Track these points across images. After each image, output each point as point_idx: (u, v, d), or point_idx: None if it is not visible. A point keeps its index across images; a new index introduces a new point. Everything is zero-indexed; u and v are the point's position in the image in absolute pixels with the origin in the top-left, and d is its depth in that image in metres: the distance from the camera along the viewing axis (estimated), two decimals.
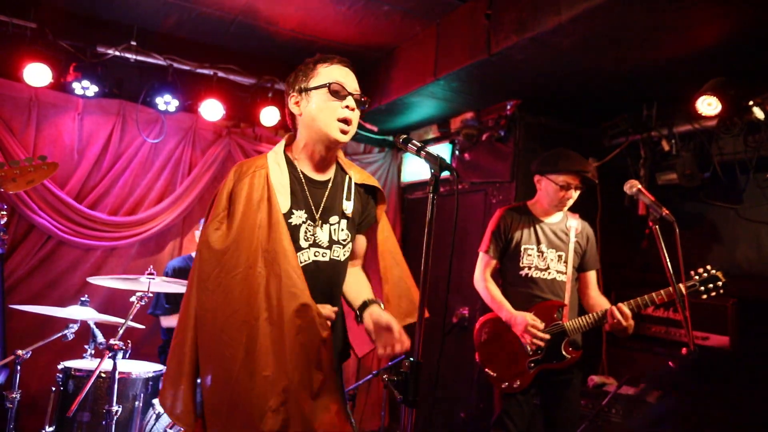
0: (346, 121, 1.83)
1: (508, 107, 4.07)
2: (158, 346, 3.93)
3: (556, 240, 3.05)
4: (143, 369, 3.25)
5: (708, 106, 3.42)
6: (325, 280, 1.87)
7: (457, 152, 4.72)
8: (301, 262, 1.80)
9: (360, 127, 4.78)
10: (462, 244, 4.42)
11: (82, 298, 3.24)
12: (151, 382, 3.21)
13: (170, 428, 2.89)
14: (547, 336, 2.86)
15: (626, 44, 3.10)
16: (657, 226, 2.44)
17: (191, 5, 3.95)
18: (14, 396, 2.88)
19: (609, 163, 4.16)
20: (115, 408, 2.83)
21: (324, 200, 1.90)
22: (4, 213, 3.36)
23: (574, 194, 3.00)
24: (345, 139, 1.84)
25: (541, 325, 2.87)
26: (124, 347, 2.84)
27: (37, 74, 3.82)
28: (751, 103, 3.26)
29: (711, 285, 2.69)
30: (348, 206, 1.93)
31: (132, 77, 4.33)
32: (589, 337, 3.52)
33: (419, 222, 5.25)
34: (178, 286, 3.31)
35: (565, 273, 3.02)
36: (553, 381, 2.95)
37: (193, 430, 1.76)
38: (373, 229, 2.07)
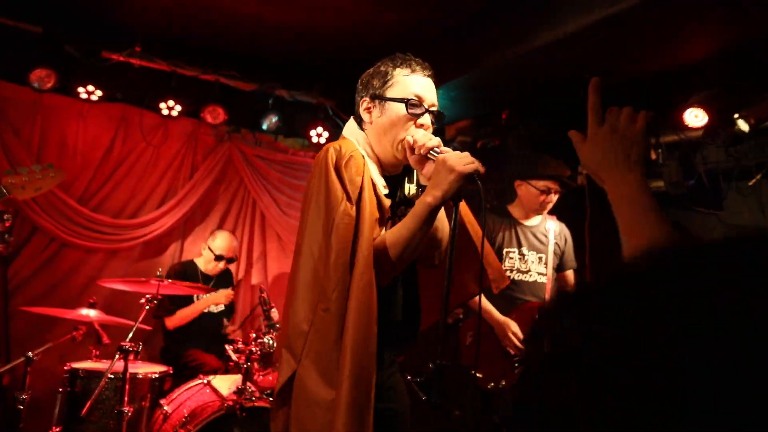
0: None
1: (502, 116, 4.10)
2: (160, 348, 3.87)
3: (537, 242, 3.04)
4: (150, 369, 3.19)
5: (695, 117, 3.49)
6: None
7: None
8: None
9: None
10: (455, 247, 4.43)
11: (90, 301, 3.17)
12: (157, 383, 3.16)
13: (180, 427, 2.84)
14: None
15: (620, 57, 3.16)
16: None
17: (196, 12, 3.90)
18: (24, 397, 2.81)
19: None
20: (126, 408, 2.77)
21: (399, 195, 1.77)
22: (9, 217, 3.29)
23: (554, 198, 3.00)
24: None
25: (521, 336, 2.84)
26: (135, 348, 2.80)
27: (42, 78, 3.75)
28: (736, 115, 3.32)
29: None
30: (411, 188, 1.77)
31: (136, 82, 4.27)
32: None
33: None
34: (181, 289, 3.27)
35: (546, 274, 3.02)
36: None
37: None
38: None
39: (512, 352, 2.87)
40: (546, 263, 3.03)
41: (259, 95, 4.57)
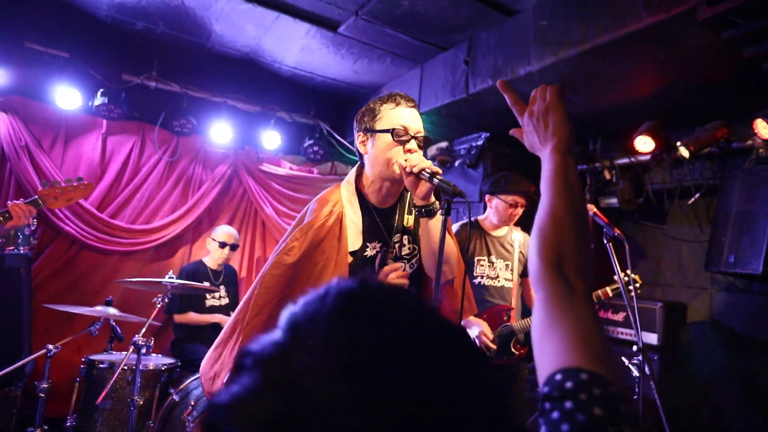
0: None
1: (480, 139, 4.15)
2: (170, 341, 3.84)
3: (504, 251, 3.06)
4: (160, 361, 3.17)
5: (644, 144, 3.58)
6: None
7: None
8: None
9: (350, 151, 4.82)
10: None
11: (107, 298, 3.14)
12: (167, 374, 3.13)
13: (187, 415, 2.82)
14: (494, 347, 2.77)
15: (582, 90, 3.22)
16: (610, 244, 2.53)
17: (207, 43, 3.92)
18: (45, 386, 2.77)
19: None
20: (137, 397, 2.75)
21: (395, 225, 1.77)
22: (34, 221, 3.25)
23: (520, 211, 3.03)
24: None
25: (491, 336, 2.81)
26: (146, 342, 2.78)
27: (67, 98, 3.72)
28: (678, 143, 3.41)
29: (630, 287, 2.75)
30: (409, 219, 1.78)
31: (151, 103, 4.26)
32: None
33: None
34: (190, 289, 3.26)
35: (512, 280, 3.02)
36: (503, 374, 2.94)
37: None
38: None
39: (483, 350, 2.89)
40: (512, 270, 3.04)
41: (262, 116, 4.59)
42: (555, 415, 0.56)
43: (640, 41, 2.51)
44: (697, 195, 3.63)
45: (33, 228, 3.26)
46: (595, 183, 4.15)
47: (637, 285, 2.76)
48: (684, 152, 3.41)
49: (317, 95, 4.71)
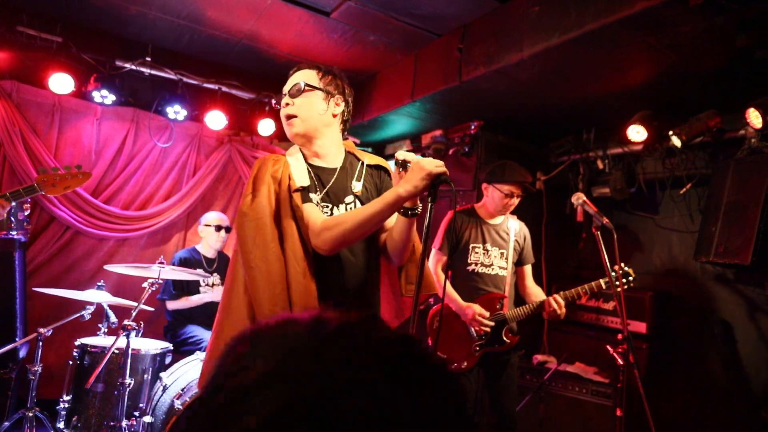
0: (286, 117, 1.81)
1: (473, 127, 4.10)
2: (164, 326, 3.81)
3: (499, 239, 3.03)
4: (152, 346, 3.15)
5: (636, 133, 3.52)
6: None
7: None
8: None
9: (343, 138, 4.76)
10: (429, 242, 4.42)
11: (99, 283, 3.12)
12: (158, 358, 3.12)
13: (177, 398, 2.81)
14: (492, 323, 2.84)
15: (574, 79, 3.17)
16: (599, 233, 2.49)
17: (201, 28, 3.84)
18: (36, 369, 2.75)
19: (554, 177, 4.24)
20: (128, 380, 2.74)
21: (332, 183, 1.80)
22: (28, 205, 3.22)
23: (516, 201, 3.00)
24: (290, 132, 1.81)
25: (487, 314, 2.85)
26: (137, 327, 2.76)
27: (61, 83, 3.67)
28: (670, 132, 3.36)
29: (624, 279, 2.73)
30: (357, 185, 1.81)
31: (145, 88, 4.20)
32: (533, 322, 3.57)
33: None
34: (184, 275, 3.23)
35: (506, 268, 3.00)
36: (494, 361, 2.93)
37: None
38: None
39: (477, 334, 2.87)
40: (507, 258, 3.02)
41: (257, 102, 4.53)
42: None
43: (633, 27, 2.45)
44: (689, 185, 3.59)
45: (27, 213, 3.23)
46: (587, 172, 4.11)
47: (631, 279, 2.73)
48: (676, 141, 3.35)
49: None
